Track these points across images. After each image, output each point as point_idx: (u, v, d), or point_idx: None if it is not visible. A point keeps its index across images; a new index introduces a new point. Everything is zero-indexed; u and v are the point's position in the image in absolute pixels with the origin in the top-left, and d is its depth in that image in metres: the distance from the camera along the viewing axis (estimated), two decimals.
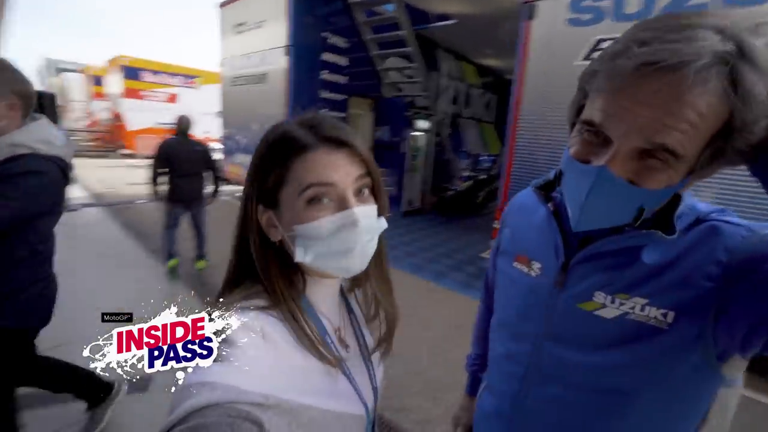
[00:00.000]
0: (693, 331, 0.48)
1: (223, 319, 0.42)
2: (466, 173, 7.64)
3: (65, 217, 5.54)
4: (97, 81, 15.87)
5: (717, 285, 0.46)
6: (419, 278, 4.01)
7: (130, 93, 13.36)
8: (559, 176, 0.59)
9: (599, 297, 0.54)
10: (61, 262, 3.77)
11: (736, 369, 0.50)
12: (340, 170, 0.49)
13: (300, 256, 0.48)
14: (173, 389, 0.39)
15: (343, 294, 0.64)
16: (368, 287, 0.63)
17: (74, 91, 19.09)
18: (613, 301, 0.53)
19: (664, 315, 0.49)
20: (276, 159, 0.49)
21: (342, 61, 6.49)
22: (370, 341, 0.64)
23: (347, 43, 6.49)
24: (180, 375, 0.39)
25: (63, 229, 5.07)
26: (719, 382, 0.51)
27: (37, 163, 1.17)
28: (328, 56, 6.26)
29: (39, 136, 1.20)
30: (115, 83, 13.93)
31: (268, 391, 0.40)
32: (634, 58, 0.42)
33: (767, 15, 0.43)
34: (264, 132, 0.53)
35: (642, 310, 0.51)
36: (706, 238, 0.49)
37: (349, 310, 0.64)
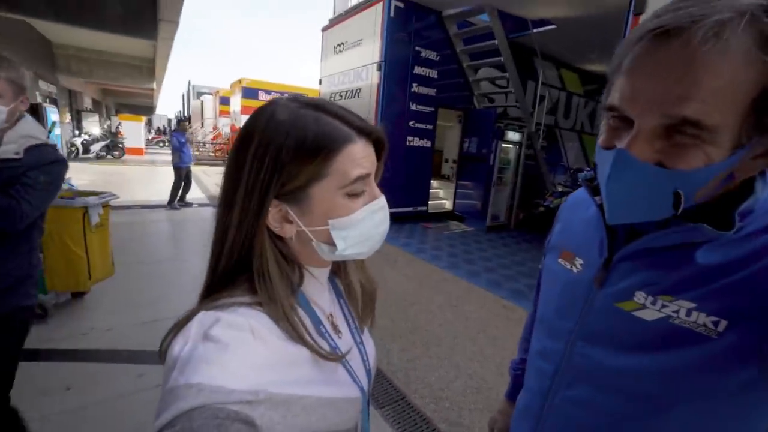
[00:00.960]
0: (747, 344, 0.41)
1: (211, 318, 0.42)
2: (560, 189, 7.02)
3: (180, 214, 6.63)
4: (226, 101, 18.63)
5: None
6: (494, 295, 3.78)
7: (248, 110, 15.35)
8: None
9: (640, 297, 0.49)
10: (175, 250, 4.52)
11: None
12: (371, 162, 0.51)
13: (341, 248, 0.49)
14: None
15: (331, 280, 0.63)
16: (347, 267, 0.65)
17: (208, 110, 22.78)
18: (654, 303, 0.48)
19: (715, 323, 0.43)
20: (315, 152, 0.45)
21: (432, 73, 6.57)
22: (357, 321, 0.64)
23: (438, 56, 6.56)
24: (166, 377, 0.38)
25: (177, 225, 6.03)
26: None
27: (57, 153, 1.31)
28: (419, 69, 6.40)
29: (38, 127, 1.31)
30: (236, 102, 16.19)
31: (258, 387, 0.40)
32: (648, 24, 0.39)
33: None
34: (272, 114, 0.46)
35: (688, 315, 0.45)
36: None
37: (338, 296, 0.63)
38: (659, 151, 0.40)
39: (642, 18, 2.77)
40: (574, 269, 0.61)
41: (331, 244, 0.49)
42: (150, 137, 22.65)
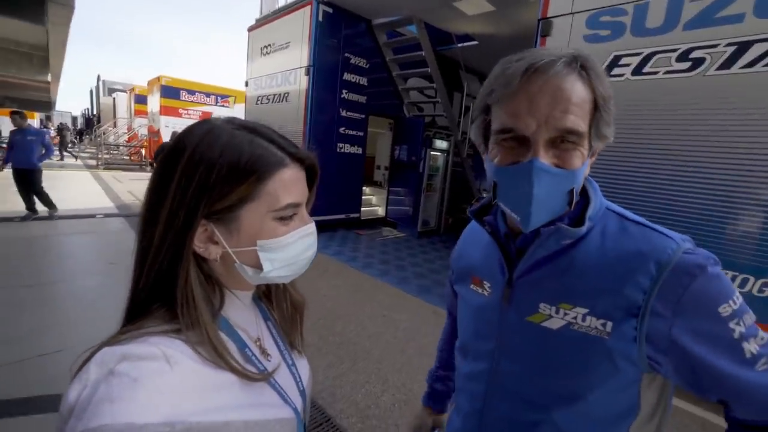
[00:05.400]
0: (630, 336, 0.51)
1: (114, 354, 0.39)
2: (486, 194, 7.42)
3: (84, 225, 5.67)
4: (143, 99, 16.92)
5: (647, 295, 0.50)
6: (424, 301, 3.83)
7: (168, 111, 14.11)
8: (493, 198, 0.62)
9: (544, 308, 0.57)
10: (72, 268, 3.92)
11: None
12: (302, 188, 0.52)
13: (267, 269, 0.49)
14: None
15: (256, 303, 0.62)
16: (275, 288, 0.65)
17: (121, 108, 20.55)
18: (557, 311, 0.55)
19: (603, 325, 0.52)
20: (247, 174, 0.45)
21: (362, 80, 6.57)
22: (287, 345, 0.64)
23: (367, 63, 6.59)
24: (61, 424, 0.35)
25: (81, 238, 5.17)
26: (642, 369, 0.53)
27: None
28: (348, 76, 6.36)
29: None
30: (154, 101, 14.81)
31: (175, 418, 0.37)
32: (519, 65, 0.50)
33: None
34: (206, 131, 0.46)
35: (583, 320, 0.53)
36: (637, 245, 0.53)
37: (265, 318, 0.61)
38: (554, 157, 0.52)
39: (548, 40, 3.03)
40: (485, 293, 0.66)
41: (257, 266, 0.49)
42: (52, 135, 19.85)
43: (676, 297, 0.48)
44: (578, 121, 0.50)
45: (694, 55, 2.20)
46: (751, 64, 2.01)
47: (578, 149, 0.52)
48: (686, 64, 2.24)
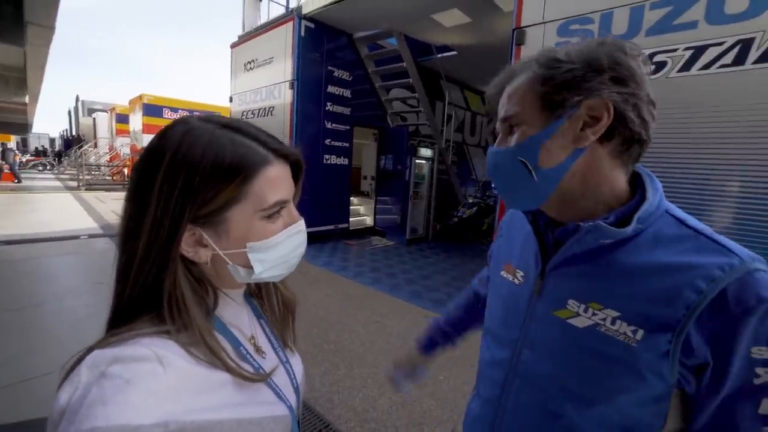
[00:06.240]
0: (662, 350, 0.47)
1: (106, 356, 0.38)
2: (471, 200, 7.57)
3: (67, 247, 5.49)
4: (124, 119, 16.73)
5: (689, 310, 0.45)
6: (416, 306, 3.88)
7: (151, 129, 13.95)
8: None
9: (573, 305, 0.55)
10: (58, 289, 3.85)
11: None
12: (289, 184, 0.51)
13: (258, 271, 0.48)
14: None
15: (248, 300, 0.61)
16: (266, 287, 0.64)
17: (102, 128, 20.26)
18: (586, 310, 0.53)
19: (634, 332, 0.49)
20: (233, 174, 0.43)
21: (346, 92, 6.68)
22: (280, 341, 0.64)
23: (350, 76, 6.70)
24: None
25: (65, 259, 5.01)
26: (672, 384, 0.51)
27: None
28: (332, 89, 6.45)
29: None
30: (136, 120, 14.66)
31: (169, 418, 0.37)
32: (498, 83, 0.62)
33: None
34: (184, 133, 0.44)
35: (613, 323, 0.50)
36: (691, 256, 0.48)
37: (258, 316, 0.61)
38: (505, 143, 0.57)
39: (522, 48, 3.18)
40: (516, 281, 0.66)
41: (248, 267, 0.48)
42: (24, 159, 19.42)
43: (716, 324, 0.44)
44: (511, 109, 0.55)
45: (657, 59, 2.35)
46: (706, 66, 2.16)
47: (518, 130, 0.55)
48: (650, 68, 2.39)
